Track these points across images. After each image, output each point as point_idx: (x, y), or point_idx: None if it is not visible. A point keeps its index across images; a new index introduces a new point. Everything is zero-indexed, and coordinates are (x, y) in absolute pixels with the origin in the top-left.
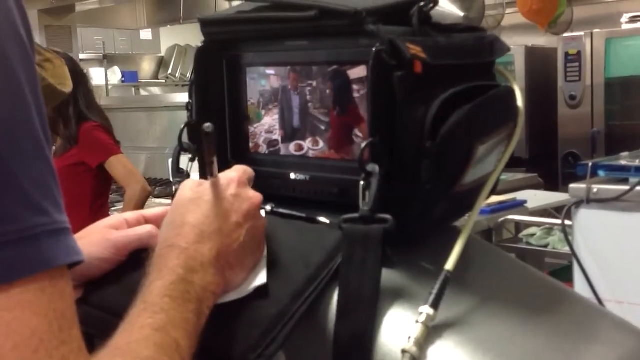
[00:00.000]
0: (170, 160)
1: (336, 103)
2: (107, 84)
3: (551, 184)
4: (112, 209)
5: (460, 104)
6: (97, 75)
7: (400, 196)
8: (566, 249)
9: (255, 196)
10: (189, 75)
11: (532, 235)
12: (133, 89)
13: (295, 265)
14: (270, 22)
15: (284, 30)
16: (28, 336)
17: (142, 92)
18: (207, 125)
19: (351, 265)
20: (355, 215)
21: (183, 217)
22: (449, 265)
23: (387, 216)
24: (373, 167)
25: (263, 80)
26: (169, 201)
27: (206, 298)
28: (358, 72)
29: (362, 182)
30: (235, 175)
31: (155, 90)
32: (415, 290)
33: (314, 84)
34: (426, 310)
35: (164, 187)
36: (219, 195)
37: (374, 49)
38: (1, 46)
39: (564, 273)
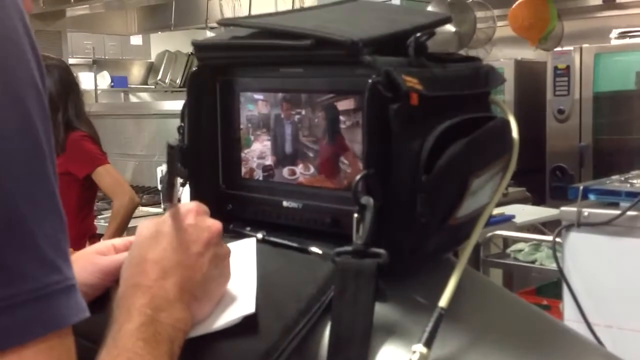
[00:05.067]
0: (158, 169)
1: (324, 133)
2: (96, 89)
3: (538, 197)
4: (99, 217)
5: (455, 135)
6: (86, 80)
7: (394, 229)
8: (553, 266)
9: (214, 224)
10: (178, 81)
11: (520, 250)
12: (122, 94)
13: (286, 297)
14: (265, 49)
15: (278, 58)
16: None
17: (132, 98)
18: (173, 141)
19: (343, 300)
20: (349, 248)
21: (143, 254)
22: (443, 302)
23: (381, 250)
24: (367, 200)
25: (251, 104)
26: (156, 209)
27: (177, 337)
28: (346, 104)
29: (355, 215)
30: (192, 206)
31: (145, 95)
32: (408, 327)
33: (303, 112)
34: (419, 349)
35: (151, 195)
36: (176, 227)
37: (370, 81)
38: (21, 100)
39: (550, 289)
